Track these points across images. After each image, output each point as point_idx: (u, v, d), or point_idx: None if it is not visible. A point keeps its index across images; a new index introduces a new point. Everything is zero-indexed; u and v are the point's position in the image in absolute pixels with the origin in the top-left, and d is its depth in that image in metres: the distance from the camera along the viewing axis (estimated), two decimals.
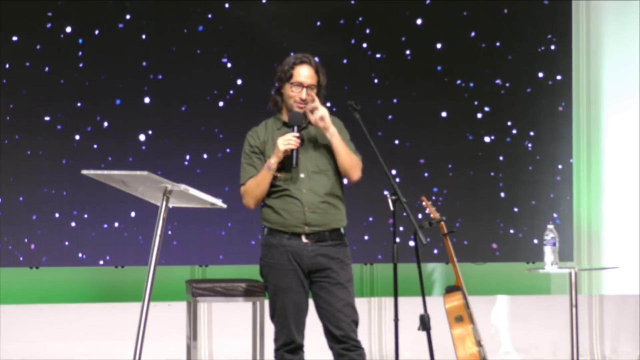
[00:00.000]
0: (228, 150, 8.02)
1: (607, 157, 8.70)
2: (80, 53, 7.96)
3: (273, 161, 5.12)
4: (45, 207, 7.88)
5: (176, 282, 7.25)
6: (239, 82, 8.12)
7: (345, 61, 8.27)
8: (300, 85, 5.18)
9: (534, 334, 8.30)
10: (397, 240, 5.75)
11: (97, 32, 7.97)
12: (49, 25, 7.91)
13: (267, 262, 5.21)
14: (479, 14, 8.43)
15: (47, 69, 7.93)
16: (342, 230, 5.24)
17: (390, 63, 8.32)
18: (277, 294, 5.17)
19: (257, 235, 7.09)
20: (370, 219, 8.19)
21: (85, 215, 7.92)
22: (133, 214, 7.94)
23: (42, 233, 7.86)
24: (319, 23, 8.25)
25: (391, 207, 5.58)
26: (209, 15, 8.12)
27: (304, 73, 5.19)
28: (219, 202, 5.06)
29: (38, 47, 7.91)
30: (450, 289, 6.72)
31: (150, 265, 4.90)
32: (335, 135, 5.16)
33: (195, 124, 8.07)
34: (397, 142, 8.31)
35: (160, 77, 8.06)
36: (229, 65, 8.13)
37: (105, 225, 7.93)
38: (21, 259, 7.84)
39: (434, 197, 8.20)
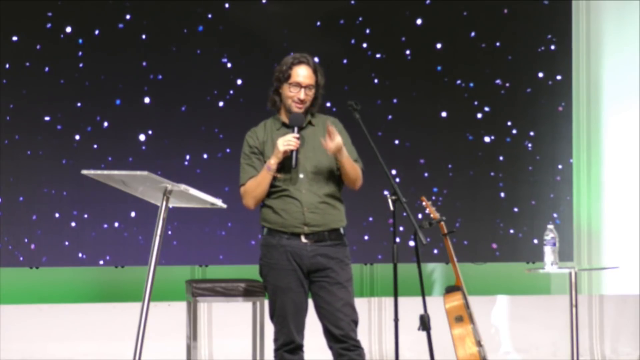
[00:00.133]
0: (228, 150, 8.02)
1: (607, 157, 8.70)
2: (80, 53, 7.96)
3: (273, 162, 5.13)
4: (45, 207, 7.88)
5: (176, 282, 7.25)
6: (239, 82, 8.12)
7: (345, 61, 8.27)
8: (299, 85, 5.18)
9: (534, 334, 8.30)
10: (397, 240, 5.75)
11: (97, 32, 7.97)
12: (49, 25, 7.91)
13: (267, 262, 5.21)
14: (479, 14, 8.43)
15: (47, 69, 7.93)
16: (342, 231, 5.24)
17: (390, 63, 8.32)
18: (276, 294, 5.17)
19: (257, 235, 7.09)
20: (370, 219, 8.19)
21: (85, 215, 7.92)
22: (133, 214, 7.94)
23: (42, 233, 7.86)
24: (319, 23, 8.25)
25: (391, 207, 5.58)
26: (209, 15, 8.12)
27: (302, 73, 5.19)
28: (219, 202, 5.06)
29: (38, 47, 7.91)
30: (450, 289, 6.72)
31: (150, 265, 4.90)
32: (344, 154, 5.13)
33: (195, 124, 8.07)
34: (397, 142, 8.31)
35: (160, 77, 8.06)
36: (229, 65, 8.13)
37: (105, 225, 7.93)
38: (21, 259, 7.84)
39: (434, 197, 8.20)
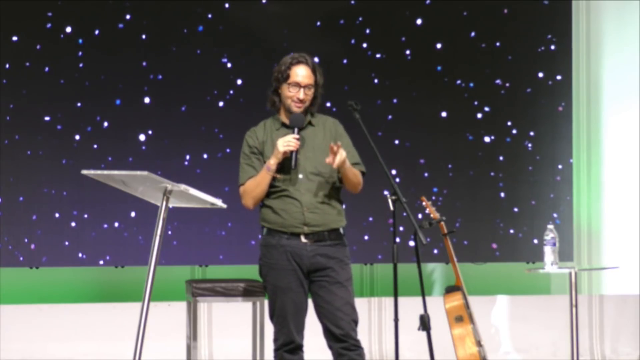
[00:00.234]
0: (228, 150, 8.02)
1: (607, 157, 8.70)
2: (80, 53, 7.96)
3: (272, 162, 5.13)
4: (45, 207, 7.88)
5: (176, 282, 7.25)
6: (239, 82, 8.12)
7: (345, 61, 8.27)
8: (298, 85, 5.18)
9: (534, 334, 8.30)
10: (397, 240, 5.75)
11: (97, 32, 7.97)
12: (49, 25, 7.91)
13: (267, 262, 5.21)
14: (479, 14, 8.43)
15: (47, 69, 7.93)
16: (341, 231, 5.24)
17: (390, 63, 8.32)
18: (276, 294, 5.17)
19: (257, 235, 7.08)
20: (370, 219, 8.19)
21: (85, 215, 7.92)
22: (133, 214, 7.94)
23: (42, 233, 7.86)
24: (319, 23, 8.25)
25: (391, 207, 5.59)
26: (209, 15, 8.12)
27: (301, 73, 5.19)
28: (219, 202, 5.06)
29: (38, 47, 7.91)
30: (450, 289, 6.72)
31: (150, 265, 4.90)
32: (347, 165, 5.13)
33: (195, 124, 8.07)
34: (397, 142, 8.31)
35: (160, 77, 8.06)
36: (229, 65, 8.13)
37: (105, 225, 7.93)
38: (21, 259, 7.84)
39: (434, 197, 8.20)
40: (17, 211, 7.85)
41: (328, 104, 7.26)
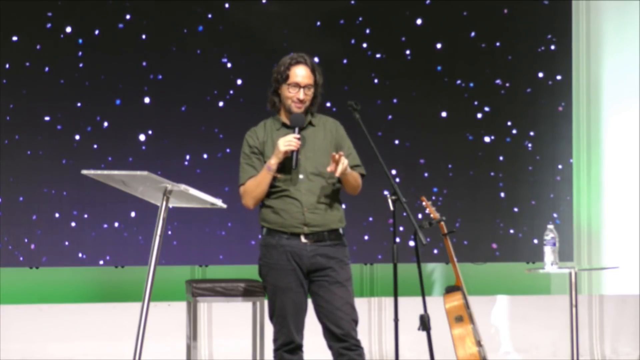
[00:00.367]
0: (228, 150, 8.02)
1: (607, 157, 8.70)
2: (80, 53, 7.96)
3: (273, 162, 5.13)
4: (45, 207, 7.88)
5: (176, 282, 7.25)
6: (239, 82, 8.12)
7: (345, 61, 8.27)
8: (297, 85, 5.18)
9: (534, 334, 8.30)
10: (397, 240, 5.75)
11: (97, 32, 7.97)
12: (49, 25, 7.91)
13: (266, 262, 5.21)
14: (479, 14, 8.43)
15: (47, 69, 7.93)
16: (341, 231, 5.24)
17: (390, 63, 8.32)
18: (276, 294, 5.17)
19: (257, 235, 7.07)
20: (370, 219, 8.19)
21: (85, 215, 7.92)
22: (133, 214, 7.94)
23: (42, 233, 7.86)
24: (319, 23, 8.25)
25: (391, 207, 5.59)
26: (209, 15, 8.12)
27: (300, 73, 5.19)
28: (219, 202, 5.06)
29: (38, 47, 7.91)
30: (450, 289, 6.72)
31: (150, 265, 4.90)
32: (348, 172, 5.14)
33: (195, 124, 8.07)
34: (397, 142, 8.31)
35: (160, 77, 8.06)
36: (229, 65, 8.13)
37: (105, 225, 7.93)
38: (21, 259, 7.84)
39: (434, 197, 8.20)
40: (17, 211, 7.85)
41: (328, 104, 7.26)
